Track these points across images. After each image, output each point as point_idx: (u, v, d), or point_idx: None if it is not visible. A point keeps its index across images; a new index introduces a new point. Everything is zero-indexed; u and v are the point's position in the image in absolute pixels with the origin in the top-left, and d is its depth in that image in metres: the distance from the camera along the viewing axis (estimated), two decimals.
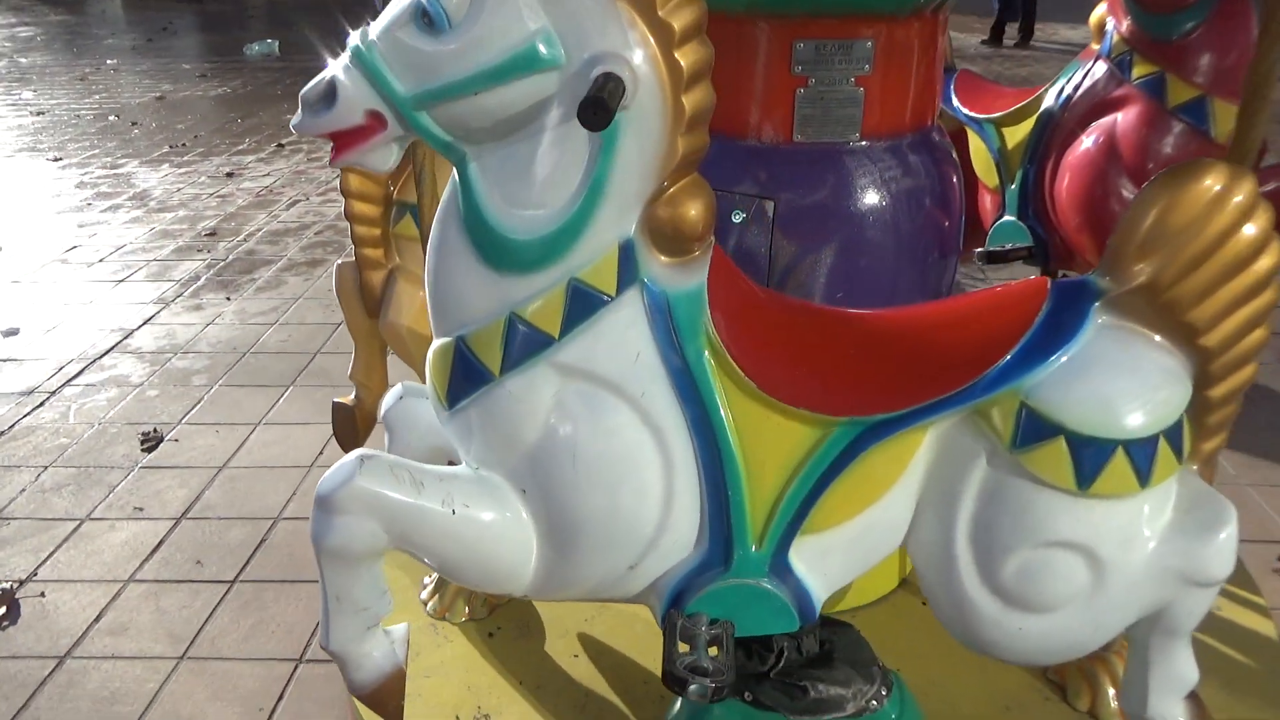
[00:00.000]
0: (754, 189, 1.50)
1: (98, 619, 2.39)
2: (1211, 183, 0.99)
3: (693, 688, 1.06)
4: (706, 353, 1.05)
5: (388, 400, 1.35)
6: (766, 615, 1.12)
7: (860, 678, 1.30)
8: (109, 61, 11.62)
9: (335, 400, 2.08)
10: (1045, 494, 1.05)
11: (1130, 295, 1.04)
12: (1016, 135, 1.98)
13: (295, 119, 1.01)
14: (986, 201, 2.10)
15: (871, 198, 1.50)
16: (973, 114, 2.05)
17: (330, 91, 0.97)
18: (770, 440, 1.07)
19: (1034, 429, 1.03)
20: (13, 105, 9.11)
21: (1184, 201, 1.00)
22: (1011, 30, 9.78)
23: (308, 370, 3.61)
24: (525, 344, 1.04)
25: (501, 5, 0.95)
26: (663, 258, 1.05)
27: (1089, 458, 1.02)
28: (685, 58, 0.98)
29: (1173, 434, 1.05)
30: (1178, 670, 1.18)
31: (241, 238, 5.14)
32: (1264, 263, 1.01)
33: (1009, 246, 1.96)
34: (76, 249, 5.05)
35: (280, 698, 2.13)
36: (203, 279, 4.58)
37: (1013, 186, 1.98)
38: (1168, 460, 1.05)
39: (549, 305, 1.03)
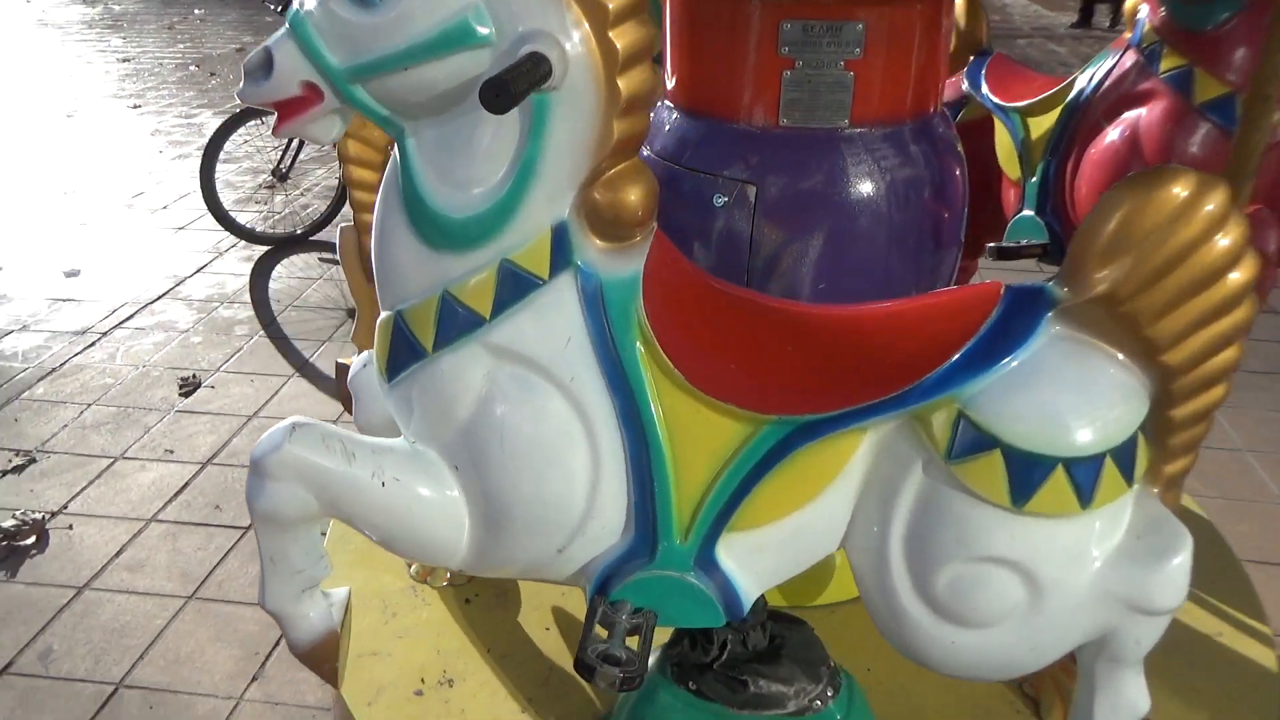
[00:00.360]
0: (743, 173, 1.46)
1: (118, 554, 2.50)
2: (1180, 190, 0.93)
3: (601, 676, 1.06)
4: (638, 342, 1.03)
5: (354, 367, 1.36)
6: (691, 608, 1.11)
7: (805, 676, 1.28)
8: (196, 11, 11.91)
9: (339, 361, 2.12)
10: (979, 508, 1.00)
11: (1088, 305, 0.99)
12: (1041, 126, 1.89)
13: (238, 87, 1.01)
14: (1010, 195, 2.02)
15: (863, 186, 1.45)
16: (999, 101, 1.96)
17: (267, 61, 0.97)
18: (699, 434, 1.05)
19: (969, 440, 0.99)
20: (101, 52, 9.42)
21: (1149, 208, 0.94)
22: (1102, 12, 9.37)
23: (345, 327, 3.68)
24: (457, 322, 1.04)
25: None
26: (599, 242, 1.03)
27: (1025, 474, 0.97)
28: (620, 39, 0.96)
29: (1121, 454, 0.99)
30: (1125, 698, 1.13)
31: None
32: (1236, 277, 0.94)
33: (1023, 243, 1.87)
34: (142, 195, 5.22)
35: (277, 644, 2.20)
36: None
37: (1033, 180, 1.89)
38: (1114, 482, 1.00)
39: (481, 285, 1.03)
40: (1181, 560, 1.02)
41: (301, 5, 0.96)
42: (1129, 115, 1.72)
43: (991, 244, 1.83)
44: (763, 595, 1.30)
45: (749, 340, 1.07)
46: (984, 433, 0.98)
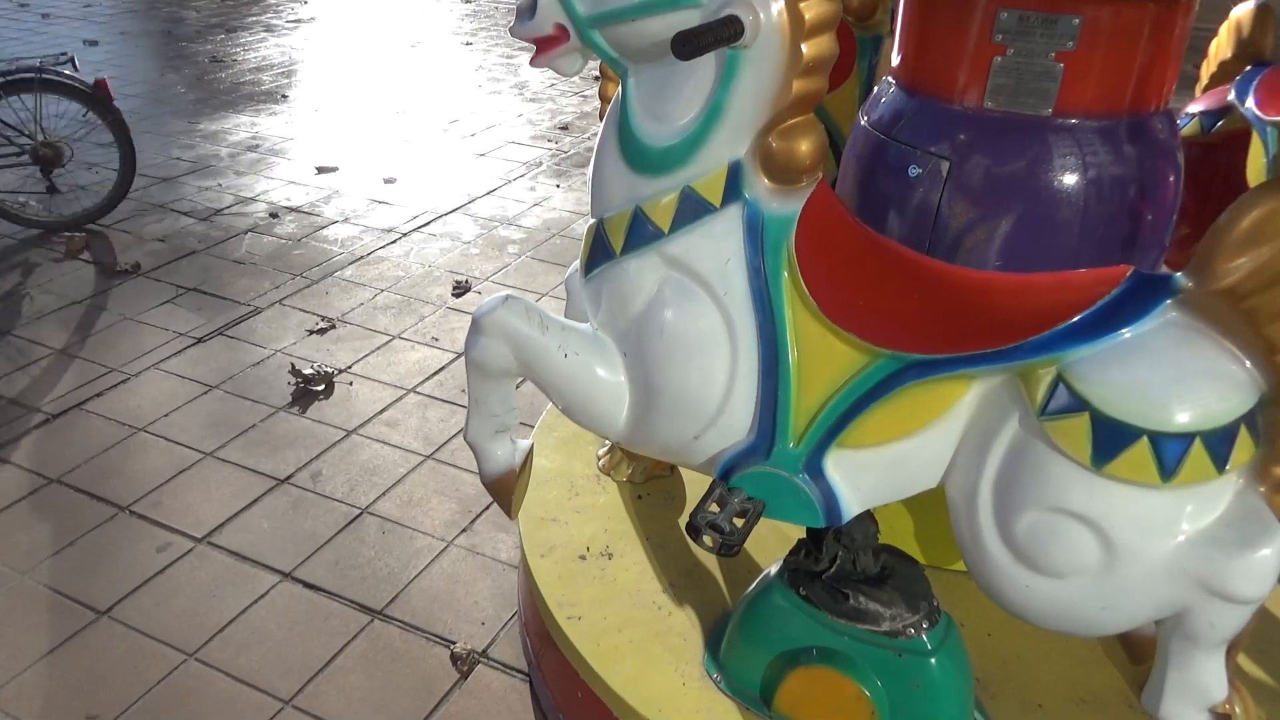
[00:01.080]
0: (945, 150, 1.56)
1: (381, 412, 2.99)
2: None
3: (705, 538, 1.26)
4: (785, 271, 1.20)
5: (569, 270, 1.62)
6: (794, 507, 1.27)
7: (904, 604, 1.40)
8: None
9: None
10: (1062, 463, 1.08)
11: (1210, 297, 1.03)
12: None
13: (511, 24, 1.29)
14: None
15: (1063, 177, 1.50)
16: (1260, 114, 1.87)
17: (532, 6, 1.23)
18: (822, 356, 1.20)
19: (1063, 401, 1.07)
20: None
21: None
22: None
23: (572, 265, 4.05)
24: (643, 233, 1.25)
25: None
26: (768, 182, 1.21)
27: (1108, 439, 1.04)
28: (809, 11, 1.11)
29: (1214, 439, 1.03)
30: (1198, 680, 1.17)
31: (587, 135, 5.70)
32: None
33: None
34: (457, 122, 5.89)
35: (488, 507, 2.57)
36: (544, 165, 5.18)
37: None
38: (1201, 464, 1.04)
39: (666, 205, 1.23)
40: (1267, 554, 1.05)
41: None
42: None
43: None
44: (875, 525, 1.44)
45: (880, 282, 1.21)
46: (1077, 396, 1.06)
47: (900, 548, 1.50)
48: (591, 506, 2.01)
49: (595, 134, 5.79)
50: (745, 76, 1.15)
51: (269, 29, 8.35)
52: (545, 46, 1.26)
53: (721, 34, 1.09)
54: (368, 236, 4.27)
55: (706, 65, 1.17)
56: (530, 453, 1.54)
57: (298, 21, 8.71)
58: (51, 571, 2.31)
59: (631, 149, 1.25)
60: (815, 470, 1.25)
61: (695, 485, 2.07)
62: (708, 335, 1.24)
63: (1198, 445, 1.03)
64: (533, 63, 1.29)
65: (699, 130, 1.19)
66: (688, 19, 1.16)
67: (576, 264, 1.64)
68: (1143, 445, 1.04)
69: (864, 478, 1.26)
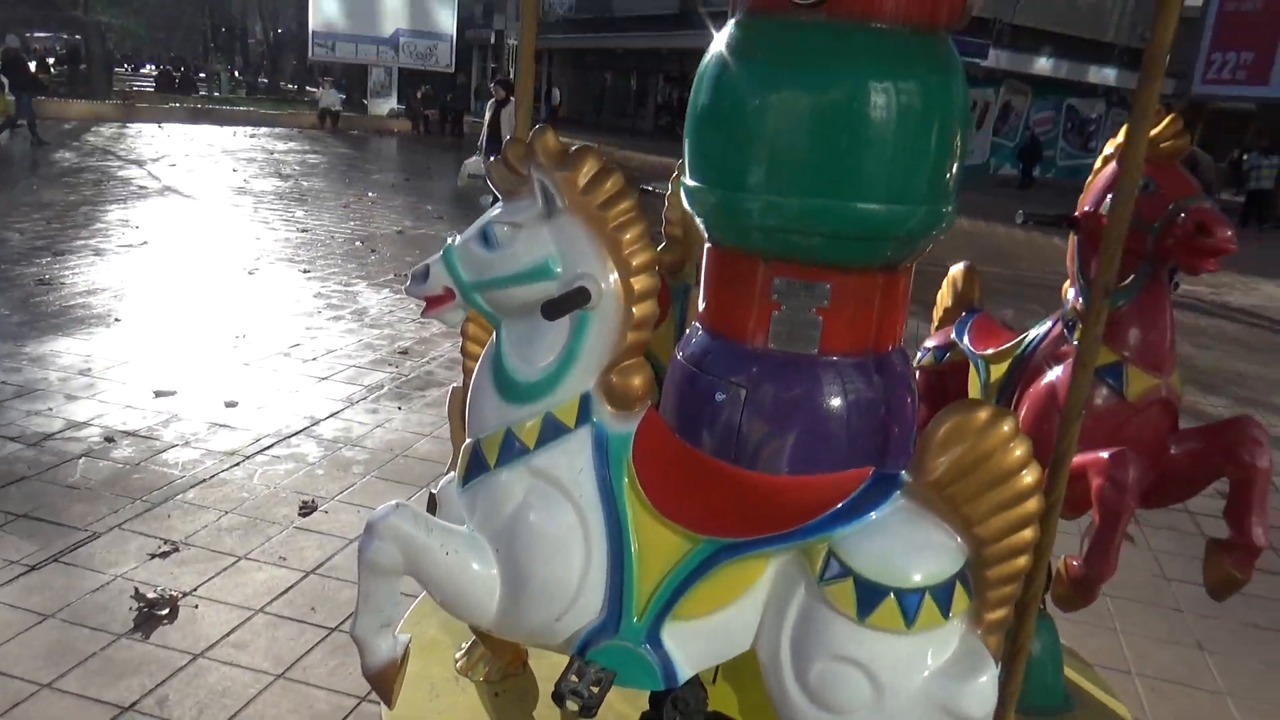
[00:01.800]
0: (743, 381, 1.98)
1: (229, 634, 3.01)
2: (984, 416, 1.40)
3: (569, 703, 1.50)
4: (625, 477, 1.54)
5: (441, 483, 1.90)
6: (640, 673, 1.54)
7: None
8: (370, 194, 13.56)
9: (431, 492, 2.66)
10: (839, 619, 1.43)
11: (923, 487, 1.44)
12: (999, 371, 2.35)
13: (406, 285, 1.63)
14: None
15: (830, 400, 1.94)
16: (973, 350, 2.45)
17: (426, 272, 1.59)
18: (656, 544, 1.52)
19: (835, 569, 1.43)
20: (286, 221, 10.89)
21: (963, 425, 1.40)
22: None
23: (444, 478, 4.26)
24: (512, 450, 1.57)
25: (530, 238, 1.54)
26: (610, 409, 1.57)
27: (867, 596, 1.40)
28: (638, 284, 1.53)
29: (938, 593, 1.40)
30: None
31: (425, 360, 6.02)
32: (1025, 479, 1.39)
33: None
34: (298, 346, 6.09)
35: None
36: (385, 388, 5.43)
37: None
38: (932, 612, 1.41)
39: (531, 427, 1.56)
40: (985, 680, 1.41)
41: (453, 241, 1.58)
42: (1052, 371, 2.20)
43: None
44: (704, 691, 1.72)
45: (698, 485, 1.56)
46: (844, 564, 1.42)
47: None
48: (452, 706, 2.18)
49: (433, 358, 6.14)
50: (592, 330, 1.53)
51: (98, 253, 8.38)
52: (435, 303, 1.60)
53: (576, 300, 1.48)
54: (210, 460, 4.32)
55: (563, 321, 1.54)
56: (408, 645, 1.74)
57: (128, 246, 8.78)
58: None
59: (504, 383, 1.59)
60: (655, 640, 1.54)
61: (545, 683, 2.27)
62: (566, 532, 1.54)
63: (928, 598, 1.40)
64: (424, 315, 1.63)
65: (558, 370, 1.55)
66: (548, 288, 1.54)
67: (447, 478, 1.92)
68: (891, 600, 1.40)
69: (693, 644, 1.55)
